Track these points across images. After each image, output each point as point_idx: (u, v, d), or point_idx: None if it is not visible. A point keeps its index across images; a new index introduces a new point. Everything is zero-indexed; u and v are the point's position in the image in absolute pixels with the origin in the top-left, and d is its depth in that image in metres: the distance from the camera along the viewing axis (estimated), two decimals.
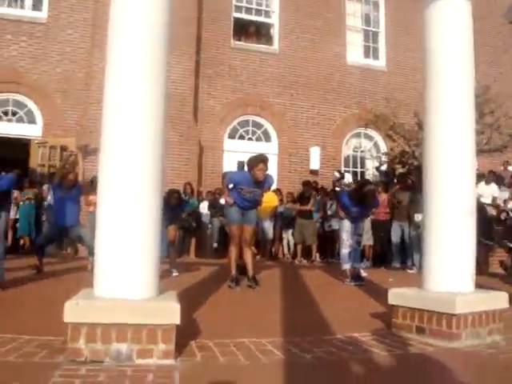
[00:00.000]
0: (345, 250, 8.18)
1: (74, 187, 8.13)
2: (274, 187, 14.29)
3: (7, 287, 5.93)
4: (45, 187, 12.36)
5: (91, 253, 8.35)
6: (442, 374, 3.24)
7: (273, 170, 15.73)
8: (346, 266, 8.10)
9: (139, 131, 3.39)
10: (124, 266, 3.28)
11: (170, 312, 3.18)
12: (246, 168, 7.72)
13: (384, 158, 15.73)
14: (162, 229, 3.60)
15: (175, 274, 8.41)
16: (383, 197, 11.92)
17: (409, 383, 2.94)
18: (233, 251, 7.28)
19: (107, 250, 3.35)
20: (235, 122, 15.82)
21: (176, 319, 3.16)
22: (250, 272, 7.21)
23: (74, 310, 3.09)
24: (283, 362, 3.29)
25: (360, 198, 8.04)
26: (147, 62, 3.45)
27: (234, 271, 7.18)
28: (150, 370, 2.94)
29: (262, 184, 7.21)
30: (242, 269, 7.44)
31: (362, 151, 16.92)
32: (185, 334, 3.61)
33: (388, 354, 3.51)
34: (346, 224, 8.16)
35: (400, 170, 14.29)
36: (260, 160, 7.17)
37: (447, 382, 3.06)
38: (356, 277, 7.99)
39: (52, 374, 2.78)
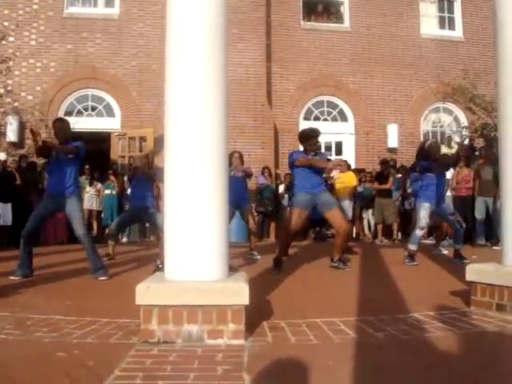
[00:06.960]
0: (420, 232, 7.83)
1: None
2: (352, 166, 14.19)
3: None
4: (126, 178, 12.73)
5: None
6: None
7: (350, 149, 15.57)
8: (413, 247, 7.70)
9: (201, 118, 3.41)
10: (193, 248, 3.32)
11: (239, 292, 3.19)
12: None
13: (465, 132, 15.17)
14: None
15: (257, 257, 8.51)
16: (465, 172, 11.52)
17: (485, 362, 2.81)
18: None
19: (176, 233, 3.41)
20: (310, 104, 15.72)
21: (245, 300, 3.17)
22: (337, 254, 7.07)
23: (146, 293, 3.17)
24: (355, 341, 3.24)
25: (425, 156, 7.92)
26: (205, 47, 3.46)
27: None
28: (219, 350, 2.97)
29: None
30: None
31: (441, 126, 16.36)
32: (257, 315, 3.65)
33: (464, 332, 3.38)
34: (425, 204, 7.73)
35: (482, 143, 13.75)
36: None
37: None
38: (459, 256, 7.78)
39: (126, 354, 2.87)
